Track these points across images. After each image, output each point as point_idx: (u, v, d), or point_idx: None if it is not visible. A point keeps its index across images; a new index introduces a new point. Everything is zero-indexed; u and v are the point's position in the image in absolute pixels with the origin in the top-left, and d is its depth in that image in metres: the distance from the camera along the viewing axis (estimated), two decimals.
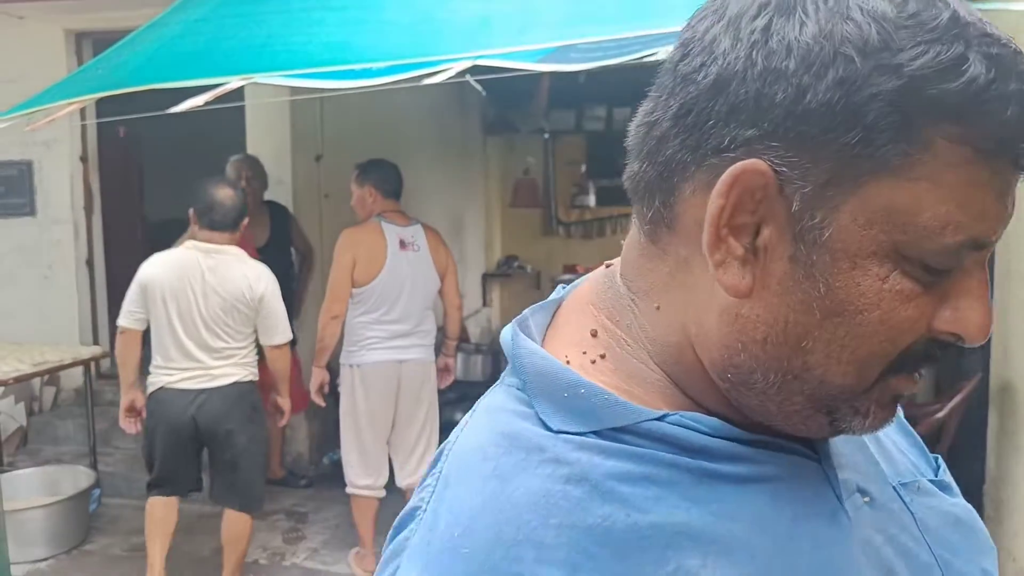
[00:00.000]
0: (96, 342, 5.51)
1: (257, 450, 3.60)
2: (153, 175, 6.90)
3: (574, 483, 0.52)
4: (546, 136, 9.14)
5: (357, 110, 5.71)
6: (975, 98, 0.46)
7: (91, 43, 5.48)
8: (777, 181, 0.50)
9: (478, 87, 8.57)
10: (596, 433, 0.55)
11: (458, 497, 0.55)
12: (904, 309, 0.50)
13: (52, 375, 5.20)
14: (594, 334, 0.60)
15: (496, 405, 0.60)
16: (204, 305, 3.40)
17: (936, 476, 0.68)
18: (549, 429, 0.55)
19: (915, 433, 0.73)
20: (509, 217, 9.47)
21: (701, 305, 0.55)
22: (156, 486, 3.60)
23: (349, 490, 3.91)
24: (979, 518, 0.67)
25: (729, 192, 0.51)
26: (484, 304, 8.84)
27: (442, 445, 0.62)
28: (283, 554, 4.15)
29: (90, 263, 5.59)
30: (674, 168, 0.54)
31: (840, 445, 0.61)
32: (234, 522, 3.59)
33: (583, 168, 9.18)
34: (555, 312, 0.65)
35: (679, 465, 0.55)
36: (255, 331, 3.52)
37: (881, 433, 0.63)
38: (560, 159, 9.28)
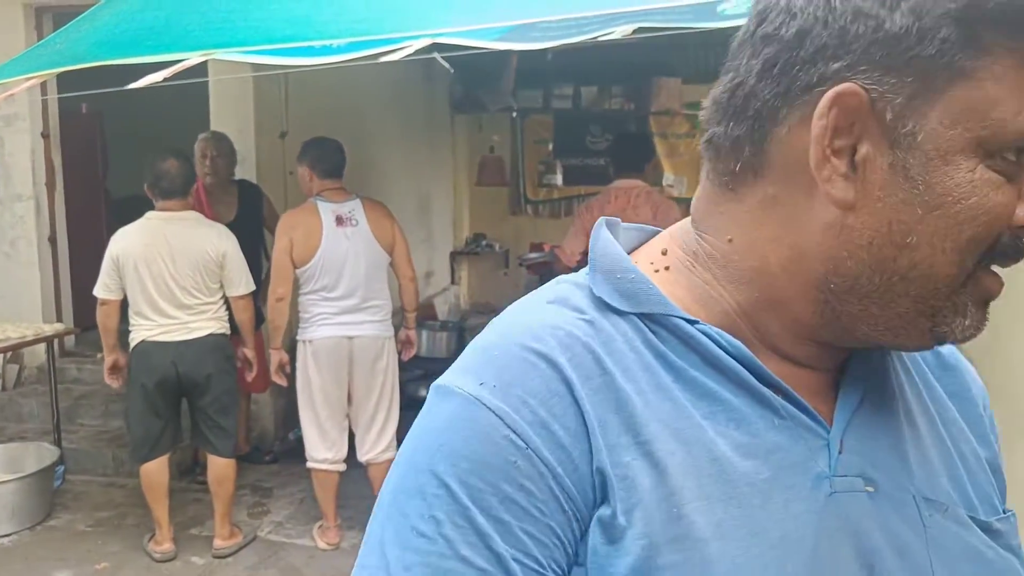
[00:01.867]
0: (59, 319, 5.48)
1: (231, 399, 3.95)
2: (117, 152, 6.84)
3: (593, 334, 0.62)
4: (514, 115, 9.14)
5: (322, 87, 5.69)
6: (1021, 11, 0.55)
7: (51, 17, 5.42)
8: (868, 98, 0.57)
9: (446, 64, 8.56)
10: (635, 315, 0.64)
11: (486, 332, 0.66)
12: (994, 196, 0.57)
13: (15, 353, 5.17)
14: (664, 252, 0.69)
15: (549, 286, 0.69)
16: (173, 267, 3.69)
17: (984, 516, 0.68)
18: (595, 298, 0.65)
19: (1002, 475, 0.74)
20: (477, 195, 9.48)
21: (796, 229, 0.61)
22: (143, 452, 3.83)
23: (309, 464, 3.96)
24: None
25: (828, 112, 0.57)
26: (452, 282, 8.88)
27: None
28: (248, 528, 4.18)
29: (52, 240, 5.55)
30: (765, 116, 0.61)
31: (870, 440, 0.65)
32: (218, 465, 3.91)
33: (550, 146, 9.20)
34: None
35: (680, 372, 0.62)
36: (221, 287, 3.83)
37: (954, 454, 0.69)
38: (528, 137, 9.29)
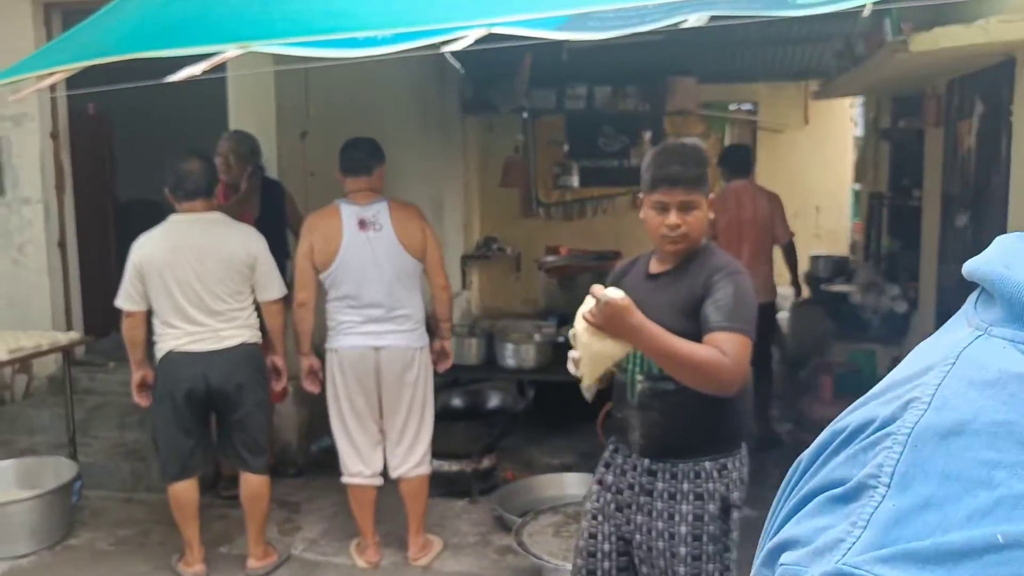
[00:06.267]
0: (69, 327, 5.27)
1: (264, 412, 3.75)
2: (124, 154, 6.64)
3: None
4: (525, 115, 8.99)
5: (343, 86, 5.52)
6: None
7: (60, 14, 5.22)
8: None
9: (456, 64, 8.41)
10: None
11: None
12: None
13: (24, 363, 4.96)
14: None
15: (984, 361, 0.46)
16: (202, 271, 3.49)
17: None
18: None
19: None
20: (488, 198, 9.32)
21: None
22: (173, 472, 3.63)
23: (344, 479, 3.77)
24: None
25: None
26: (464, 287, 8.69)
27: (882, 430, 0.47)
28: (280, 546, 3.99)
29: (62, 245, 5.34)
30: None
31: None
32: (252, 482, 3.71)
33: (566, 148, 9.05)
34: None
35: None
36: (251, 291, 3.63)
37: None
38: (540, 139, 9.15)
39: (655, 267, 2.38)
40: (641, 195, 2.49)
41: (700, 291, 2.21)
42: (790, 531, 0.48)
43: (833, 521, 0.45)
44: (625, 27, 2.96)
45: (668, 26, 2.84)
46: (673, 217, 2.24)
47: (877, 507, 0.43)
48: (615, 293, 2.04)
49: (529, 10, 3.03)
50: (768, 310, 5.57)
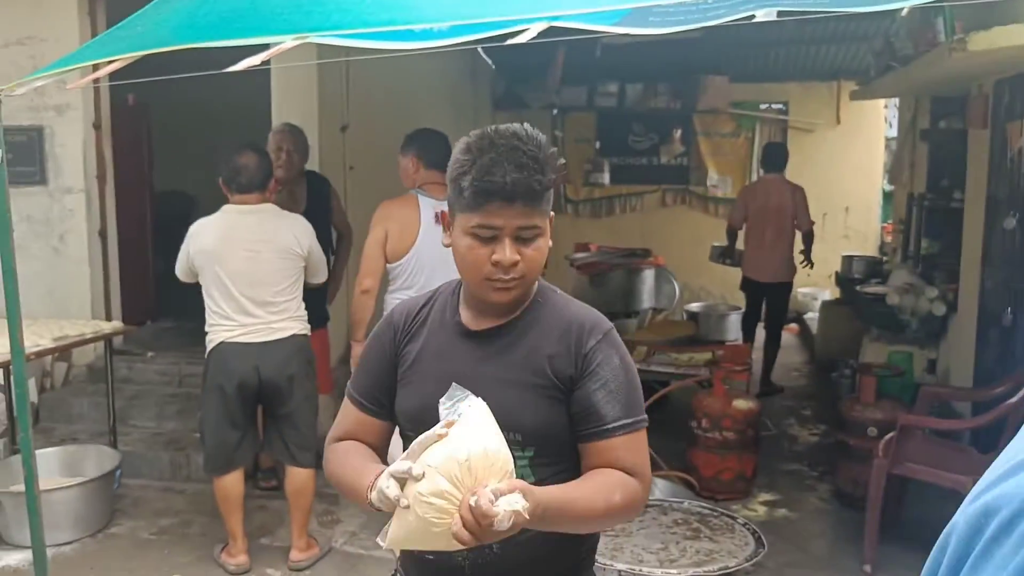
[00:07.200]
0: (108, 316, 5.29)
1: (311, 405, 3.75)
2: (161, 144, 6.67)
3: None
4: (555, 112, 8.97)
5: (381, 80, 5.52)
6: None
7: (104, 5, 5.24)
8: None
9: (488, 60, 8.39)
10: None
11: None
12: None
13: (64, 351, 4.98)
14: None
15: None
16: (255, 261, 3.51)
17: None
18: None
19: None
20: None
21: None
22: (219, 464, 3.64)
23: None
24: None
25: None
26: None
27: None
28: (321, 538, 3.99)
29: (103, 234, 5.37)
30: None
31: None
32: (299, 476, 3.72)
33: (597, 145, 9.03)
34: None
35: None
36: (298, 283, 3.66)
37: None
38: (570, 136, 9.13)
39: (471, 319, 1.57)
40: (444, 211, 1.89)
41: (561, 362, 1.50)
42: None
43: None
44: (687, 22, 2.93)
45: (733, 21, 2.81)
46: (507, 251, 1.45)
47: None
48: (515, 502, 1.26)
49: (590, 3, 3.01)
50: (784, 289, 6.63)
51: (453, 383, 1.40)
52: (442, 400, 1.37)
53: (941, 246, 5.94)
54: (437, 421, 1.35)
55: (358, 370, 1.69)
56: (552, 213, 1.55)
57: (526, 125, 1.51)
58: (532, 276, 1.51)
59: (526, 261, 1.47)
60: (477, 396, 1.37)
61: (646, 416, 1.53)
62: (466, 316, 1.59)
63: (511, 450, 1.35)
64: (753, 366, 5.39)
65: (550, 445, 1.51)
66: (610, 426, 1.48)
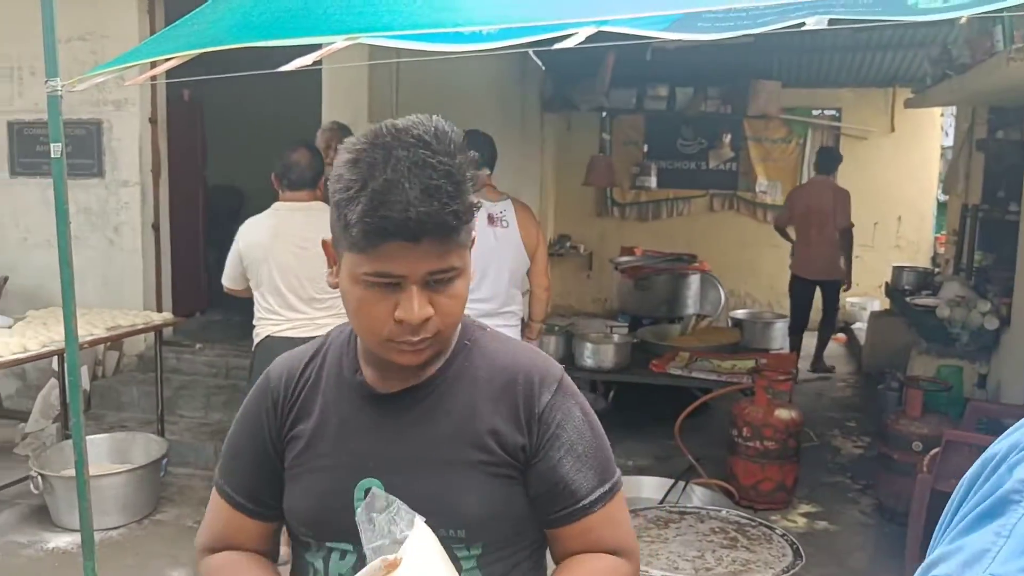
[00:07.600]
0: (159, 307, 5.42)
1: None
2: (213, 140, 6.80)
3: None
4: (603, 114, 8.95)
5: (430, 80, 5.56)
6: None
7: (163, 2, 5.36)
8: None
9: (538, 61, 8.40)
10: None
11: None
12: None
13: (116, 340, 5.11)
14: None
15: None
16: (303, 257, 3.52)
17: None
18: None
19: None
20: (563, 196, 9.32)
21: None
22: None
23: None
24: None
25: None
26: None
27: None
28: None
29: (156, 227, 5.49)
30: None
31: None
32: None
33: (645, 148, 9.00)
34: None
35: None
36: None
37: None
38: (617, 139, 9.10)
39: (377, 380, 1.19)
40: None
41: (507, 428, 1.16)
42: (942, 549, 0.51)
43: (980, 534, 0.49)
44: (737, 28, 2.91)
45: (783, 28, 2.79)
46: (414, 306, 1.07)
47: (1020, 518, 0.47)
48: None
49: (640, 8, 3.00)
50: (835, 285, 6.82)
51: (372, 489, 1.09)
52: (359, 513, 1.07)
53: (995, 258, 5.82)
54: (342, 529, 1.11)
55: (227, 456, 1.29)
56: (474, 237, 1.16)
57: (435, 118, 1.10)
58: (450, 331, 1.15)
59: (441, 314, 1.09)
60: (398, 482, 1.09)
61: (619, 471, 1.23)
62: (369, 374, 1.18)
63: (452, 551, 1.07)
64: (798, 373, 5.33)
65: (502, 536, 1.17)
66: (586, 502, 1.16)
